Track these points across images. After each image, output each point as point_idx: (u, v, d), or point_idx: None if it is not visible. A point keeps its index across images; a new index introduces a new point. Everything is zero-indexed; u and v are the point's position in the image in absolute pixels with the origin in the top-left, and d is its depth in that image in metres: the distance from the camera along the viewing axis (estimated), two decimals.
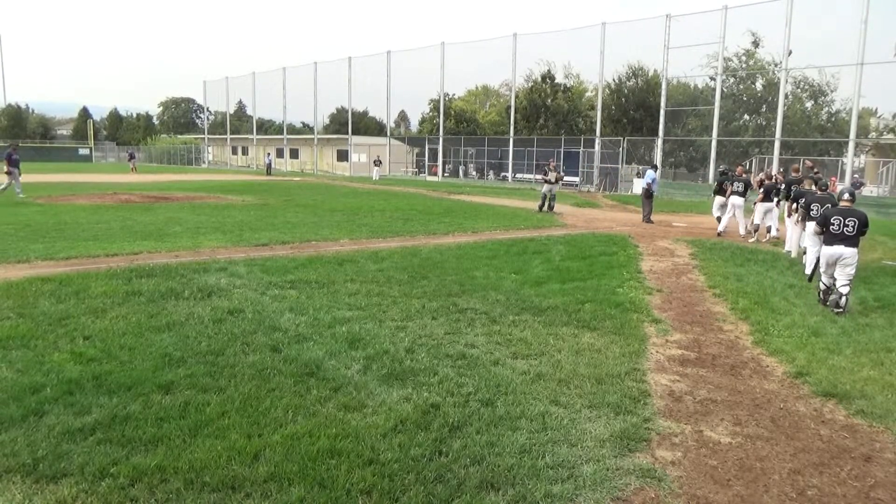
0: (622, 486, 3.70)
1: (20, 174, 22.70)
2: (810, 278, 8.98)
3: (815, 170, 15.30)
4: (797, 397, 5.22)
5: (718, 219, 16.38)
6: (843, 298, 7.96)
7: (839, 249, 8.09)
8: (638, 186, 25.99)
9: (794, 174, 14.18)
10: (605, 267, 10.53)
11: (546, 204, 20.50)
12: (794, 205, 11.77)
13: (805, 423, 4.71)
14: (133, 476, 3.58)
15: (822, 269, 8.43)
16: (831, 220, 8.21)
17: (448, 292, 8.26)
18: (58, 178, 34.56)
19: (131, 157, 55.05)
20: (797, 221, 11.57)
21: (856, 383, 5.44)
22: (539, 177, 23.95)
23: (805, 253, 10.55)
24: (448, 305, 7.59)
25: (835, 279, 8.19)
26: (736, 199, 15.48)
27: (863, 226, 8.13)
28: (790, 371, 5.79)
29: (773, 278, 9.94)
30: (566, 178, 37.04)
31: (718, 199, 16.54)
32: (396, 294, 8.11)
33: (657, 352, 6.26)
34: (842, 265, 8.08)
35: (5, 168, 22.18)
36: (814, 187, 10.92)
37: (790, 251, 12.53)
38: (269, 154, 55.10)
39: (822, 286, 8.40)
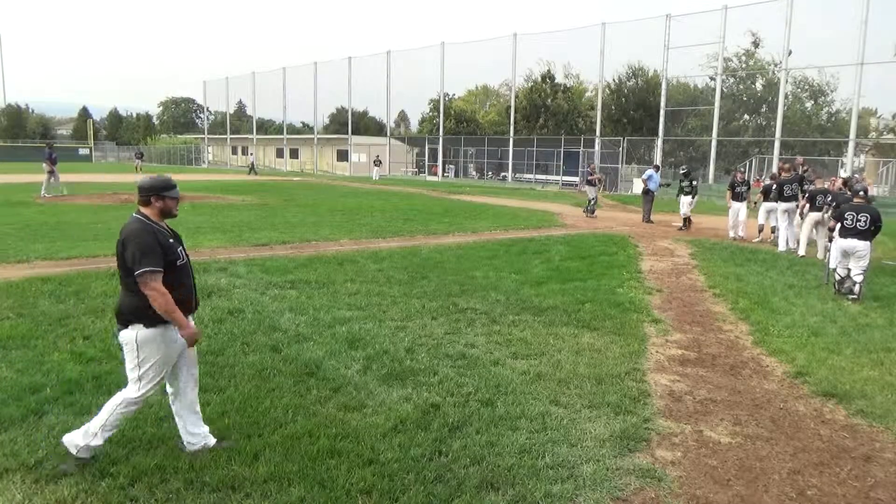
0: (622, 486, 3.70)
1: (58, 172, 23.64)
2: (827, 280, 9.49)
3: (806, 168, 15.25)
4: (797, 397, 5.22)
5: (687, 218, 16.94)
6: (857, 286, 8.60)
7: (852, 243, 8.68)
8: (638, 186, 26.03)
9: (784, 174, 14.11)
10: (605, 267, 10.53)
11: (592, 207, 20.00)
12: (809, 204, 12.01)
13: (805, 423, 4.71)
14: (133, 476, 3.59)
15: (836, 261, 8.93)
16: (845, 215, 8.84)
17: (448, 292, 8.26)
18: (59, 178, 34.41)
19: (140, 156, 54.75)
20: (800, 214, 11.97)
21: (856, 383, 5.44)
22: (581, 181, 23.84)
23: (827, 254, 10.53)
24: (448, 305, 7.60)
25: (849, 269, 8.74)
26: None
27: (874, 221, 8.72)
28: (790, 371, 5.79)
29: (773, 278, 9.95)
30: (565, 178, 37.16)
31: (686, 199, 16.96)
32: (396, 294, 8.11)
33: (657, 352, 6.26)
34: (856, 257, 8.65)
35: (48, 167, 22.75)
36: (821, 184, 11.42)
37: (795, 249, 12.54)
38: (251, 154, 55.04)
39: (837, 276, 8.92)
